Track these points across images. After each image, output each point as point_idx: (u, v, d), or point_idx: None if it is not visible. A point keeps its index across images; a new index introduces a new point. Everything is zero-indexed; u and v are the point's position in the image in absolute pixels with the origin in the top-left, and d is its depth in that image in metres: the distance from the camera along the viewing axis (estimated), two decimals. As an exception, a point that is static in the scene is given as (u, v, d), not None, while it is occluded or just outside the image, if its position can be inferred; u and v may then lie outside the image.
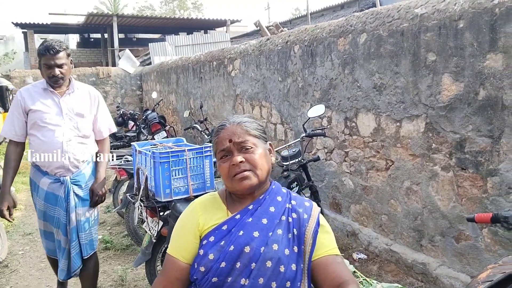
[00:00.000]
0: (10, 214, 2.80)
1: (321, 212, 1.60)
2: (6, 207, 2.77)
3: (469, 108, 2.95)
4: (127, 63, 15.30)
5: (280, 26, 7.32)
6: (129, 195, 3.55)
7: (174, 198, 3.10)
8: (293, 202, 1.48)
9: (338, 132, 4.29)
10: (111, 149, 7.88)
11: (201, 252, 1.39)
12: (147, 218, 3.26)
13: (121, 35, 22.60)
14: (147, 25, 20.55)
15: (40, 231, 3.01)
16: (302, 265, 1.37)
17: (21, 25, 20.27)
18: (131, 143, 3.71)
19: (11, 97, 12.18)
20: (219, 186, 3.36)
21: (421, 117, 3.33)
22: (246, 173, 1.40)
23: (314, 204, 1.53)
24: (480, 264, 2.96)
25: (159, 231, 3.14)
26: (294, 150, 3.88)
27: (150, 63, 15.85)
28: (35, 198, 2.92)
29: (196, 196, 3.14)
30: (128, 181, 4.68)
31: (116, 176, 4.94)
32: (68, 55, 2.82)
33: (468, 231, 3.05)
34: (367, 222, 4.06)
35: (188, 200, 3.08)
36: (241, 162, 1.40)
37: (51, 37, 26.22)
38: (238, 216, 1.42)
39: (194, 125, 6.68)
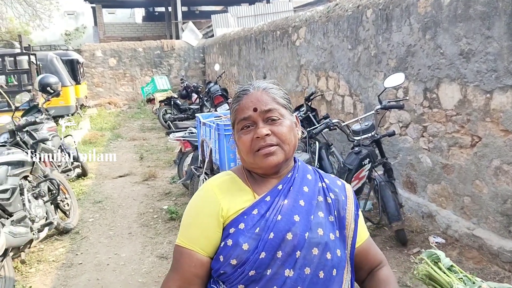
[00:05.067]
0: None
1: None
2: None
3: None
4: (190, 35, 15.40)
5: (348, -9, 6.90)
6: (194, 168, 3.49)
7: (239, 172, 2.98)
8: (326, 180, 1.30)
9: (415, 104, 3.92)
10: (176, 120, 7.96)
11: (230, 242, 1.16)
12: (211, 192, 3.17)
13: (184, 8, 22.81)
14: (209, -3, 20.51)
15: None
16: (345, 251, 1.24)
17: (90, 0, 21.04)
18: (195, 115, 3.61)
19: (81, 70, 12.71)
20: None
21: (517, 87, 2.91)
22: (272, 148, 1.18)
23: (344, 181, 1.35)
24: None
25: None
26: (366, 124, 3.60)
27: (212, 35, 15.83)
28: None
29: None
30: (192, 153, 4.66)
31: (180, 148, 4.94)
32: None
33: None
34: (446, 204, 3.71)
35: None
36: (267, 135, 1.18)
37: (118, 11, 27.14)
38: (268, 198, 1.20)
39: (257, 97, 6.50)
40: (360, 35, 4.72)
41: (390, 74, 3.85)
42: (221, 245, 1.18)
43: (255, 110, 1.20)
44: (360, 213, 1.32)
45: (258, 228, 1.16)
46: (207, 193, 1.25)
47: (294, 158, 1.31)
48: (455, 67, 3.42)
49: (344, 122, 3.77)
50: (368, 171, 3.56)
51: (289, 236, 1.15)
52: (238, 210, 1.20)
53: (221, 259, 1.17)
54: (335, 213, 1.24)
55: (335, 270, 1.17)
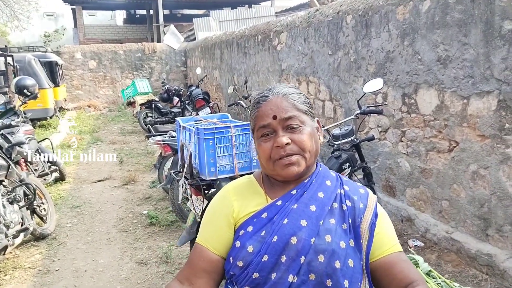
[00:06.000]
0: None
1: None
2: None
3: (553, 83, 2.58)
4: (172, 38, 15.31)
5: (329, -3, 6.96)
6: (173, 172, 3.45)
7: (219, 176, 2.97)
8: (345, 187, 1.25)
9: (394, 109, 3.97)
10: (156, 124, 7.97)
11: (238, 244, 1.19)
12: (191, 196, 3.14)
13: (166, 11, 22.70)
14: (191, 1, 20.46)
15: None
16: (361, 262, 1.16)
17: (70, 2, 20.73)
18: (175, 119, 3.59)
19: (60, 72, 12.50)
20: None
21: (493, 93, 2.97)
22: (293, 157, 1.17)
23: (370, 191, 1.29)
24: (559, 259, 2.63)
25: (204, 210, 3.01)
26: (346, 128, 3.62)
27: (194, 39, 15.78)
28: None
29: (242, 175, 3.00)
30: (172, 157, 4.62)
31: (160, 152, 4.89)
32: None
33: (545, 222, 2.71)
34: (424, 208, 3.76)
35: (234, 179, 2.93)
36: (287, 144, 1.16)
37: (99, 13, 26.85)
38: (279, 203, 1.21)
39: (239, 101, 6.51)
40: (340, 40, 4.77)
41: (369, 80, 3.89)
42: (232, 246, 1.21)
43: (274, 117, 1.18)
44: (384, 224, 1.23)
45: (264, 231, 1.17)
46: (224, 195, 1.30)
47: (316, 163, 1.29)
48: (432, 73, 3.48)
49: (324, 127, 3.79)
50: (348, 175, 3.58)
51: (294, 240, 1.13)
52: (249, 213, 1.22)
53: (231, 260, 1.19)
54: (350, 221, 1.19)
55: (347, 281, 1.12)
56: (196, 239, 1.27)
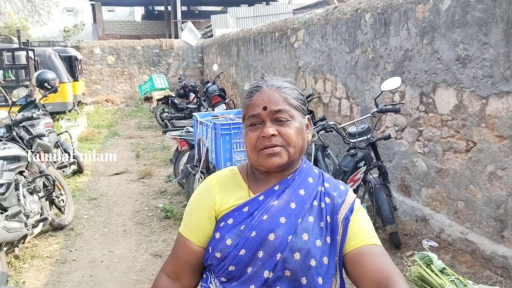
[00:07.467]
0: None
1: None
2: None
3: None
4: (189, 35, 15.40)
5: (348, -5, 6.93)
6: (190, 166, 3.49)
7: (235, 172, 2.99)
8: (326, 184, 1.26)
9: (411, 108, 3.95)
10: (173, 119, 7.99)
11: (217, 235, 1.20)
12: (207, 191, 3.18)
13: (184, 8, 22.80)
14: (209, -3, 20.52)
15: None
16: (335, 258, 1.18)
17: (90, -3, 20.94)
18: (192, 114, 3.63)
19: (79, 67, 12.69)
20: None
21: (512, 93, 2.94)
22: (277, 149, 1.17)
23: (350, 189, 1.30)
24: None
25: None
26: (362, 126, 3.61)
27: (211, 36, 15.83)
28: None
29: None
30: (188, 152, 4.67)
31: (177, 147, 4.95)
32: None
33: None
34: (440, 208, 3.73)
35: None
36: (273, 135, 1.17)
37: (117, 9, 27.11)
38: (261, 198, 1.22)
39: (255, 98, 6.52)
40: (358, 38, 4.75)
41: (387, 78, 3.88)
42: (212, 237, 1.22)
43: (264, 108, 1.19)
44: (358, 217, 1.22)
45: (243, 226, 1.18)
46: (206, 186, 1.30)
47: (302, 159, 1.30)
48: (451, 72, 3.45)
49: (340, 125, 3.79)
50: (363, 174, 3.58)
51: (271, 236, 1.15)
52: (231, 206, 1.23)
53: (210, 250, 1.21)
54: (327, 218, 1.20)
55: (320, 278, 1.14)
56: (180, 229, 1.29)
